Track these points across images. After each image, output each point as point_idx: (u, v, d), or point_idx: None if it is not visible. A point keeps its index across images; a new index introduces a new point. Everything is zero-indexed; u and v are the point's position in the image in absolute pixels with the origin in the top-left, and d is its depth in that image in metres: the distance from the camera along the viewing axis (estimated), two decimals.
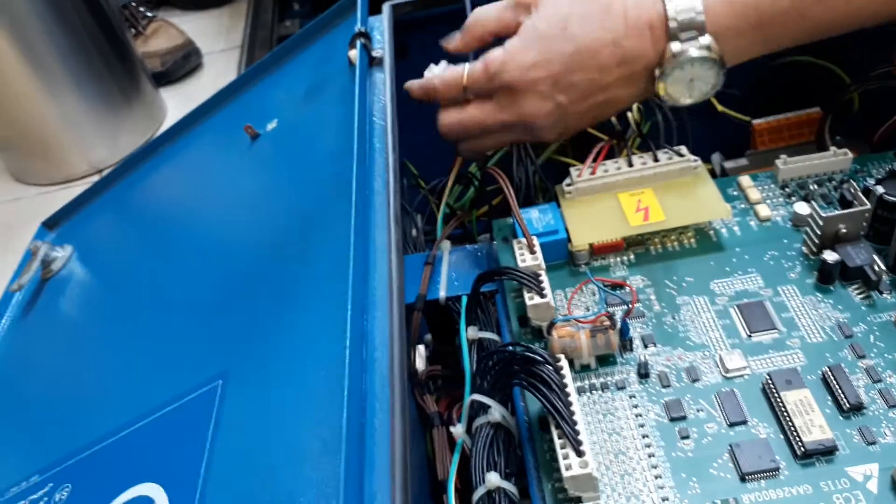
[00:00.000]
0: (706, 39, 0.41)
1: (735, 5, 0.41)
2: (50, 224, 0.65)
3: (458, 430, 0.39)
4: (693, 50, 0.41)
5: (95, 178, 0.88)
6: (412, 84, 0.47)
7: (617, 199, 0.45)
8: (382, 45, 0.53)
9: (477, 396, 0.39)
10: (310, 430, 0.31)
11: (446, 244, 0.50)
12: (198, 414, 0.35)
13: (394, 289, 0.35)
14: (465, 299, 0.45)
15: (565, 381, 0.35)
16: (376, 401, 0.31)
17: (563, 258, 0.45)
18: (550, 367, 0.36)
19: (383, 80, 0.50)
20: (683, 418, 0.36)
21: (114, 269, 0.53)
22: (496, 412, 0.38)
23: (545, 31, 0.42)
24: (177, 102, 0.99)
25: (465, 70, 0.45)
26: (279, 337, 0.36)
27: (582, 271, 0.44)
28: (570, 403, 0.34)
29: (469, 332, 0.43)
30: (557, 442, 0.33)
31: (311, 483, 0.29)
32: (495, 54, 0.43)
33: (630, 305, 0.39)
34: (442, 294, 0.47)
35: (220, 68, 1.04)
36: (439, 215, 0.50)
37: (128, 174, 0.64)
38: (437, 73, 0.47)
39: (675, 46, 0.41)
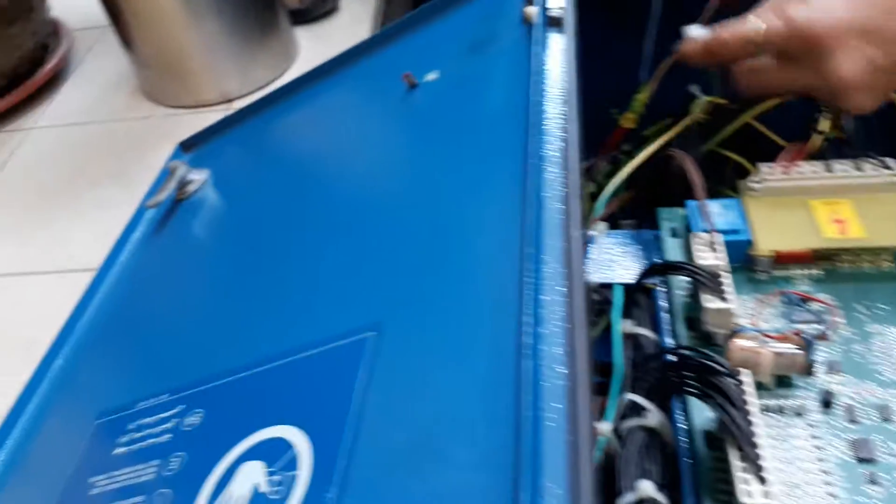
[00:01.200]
0: None
1: None
2: (186, 145, 0.64)
3: (604, 427, 0.36)
4: None
5: (224, 107, 0.88)
6: (693, 41, 0.43)
7: (809, 207, 0.41)
8: (561, 4, 0.49)
9: (634, 397, 0.36)
10: (474, 399, 0.28)
11: (602, 226, 0.46)
12: (345, 363, 0.33)
13: (574, 266, 0.31)
14: (618, 288, 0.42)
15: (748, 397, 0.32)
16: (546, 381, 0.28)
17: (739, 262, 0.40)
18: (733, 381, 0.32)
19: (562, 42, 0.46)
20: (872, 461, 0.32)
21: (250, 201, 0.52)
22: (653, 417, 0.35)
23: None
24: (310, 43, 0.98)
25: (761, 26, 0.40)
26: (439, 301, 0.34)
27: (761, 279, 0.40)
28: (754, 424, 0.31)
29: (625, 326, 0.40)
30: (737, 465, 0.30)
31: (474, 454, 0.26)
32: (797, 8, 0.39)
33: (827, 328, 0.35)
34: (593, 279, 0.44)
35: (355, 13, 1.02)
36: (605, 192, 0.46)
37: (267, 109, 0.63)
38: (702, 33, 0.43)
39: None
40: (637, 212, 0.53)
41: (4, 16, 0.88)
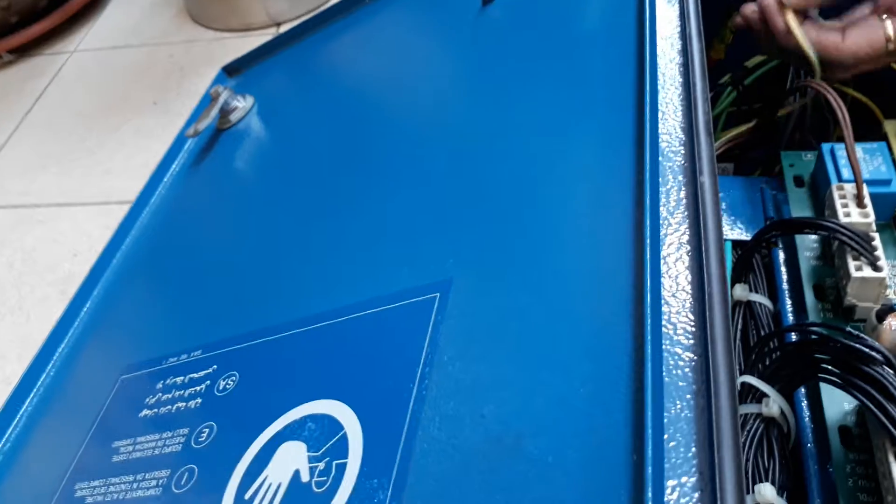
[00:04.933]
0: None
1: None
2: (231, 70, 0.58)
3: None
4: None
5: (273, 30, 0.82)
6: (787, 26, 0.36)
7: None
8: None
9: (751, 380, 0.30)
10: (574, 387, 0.22)
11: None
12: (409, 329, 0.27)
13: (709, 215, 0.25)
14: (730, 245, 0.35)
15: None
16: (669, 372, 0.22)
17: (885, 218, 0.33)
18: (892, 371, 0.25)
19: None
20: None
21: (300, 134, 0.46)
22: (775, 405, 0.29)
23: None
24: None
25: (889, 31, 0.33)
26: (521, 253, 0.28)
27: None
28: None
29: (736, 291, 0.34)
30: None
31: (573, 460, 0.21)
32: None
33: None
34: (719, 221, 0.37)
35: None
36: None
37: (319, 29, 0.56)
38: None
39: None
40: (739, 156, 0.46)
41: None
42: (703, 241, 0.24)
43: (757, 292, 0.34)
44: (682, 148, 0.27)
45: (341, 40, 0.53)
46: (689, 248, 0.24)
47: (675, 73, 0.29)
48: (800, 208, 0.35)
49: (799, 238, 0.34)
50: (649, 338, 0.22)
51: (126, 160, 0.68)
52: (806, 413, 0.30)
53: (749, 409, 0.29)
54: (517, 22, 0.40)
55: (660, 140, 0.27)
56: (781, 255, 0.34)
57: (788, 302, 0.33)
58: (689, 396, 0.21)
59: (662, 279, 0.23)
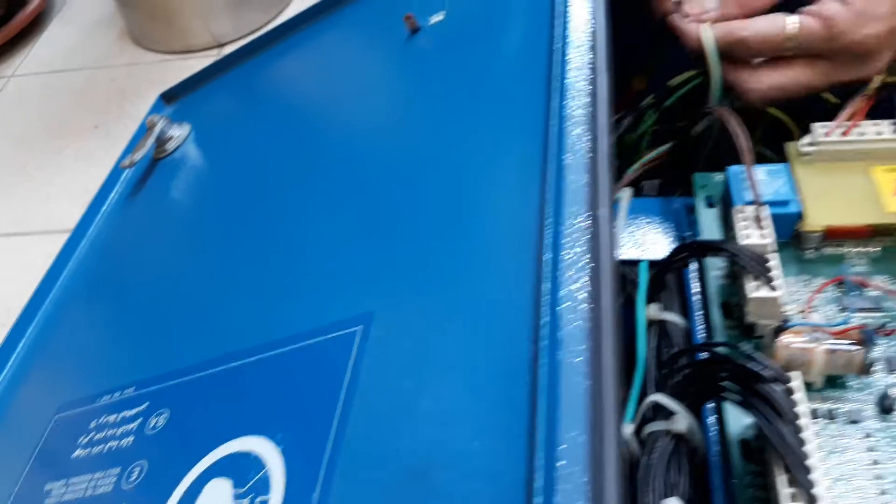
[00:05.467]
0: None
1: None
2: (168, 97, 0.59)
3: (625, 430, 0.32)
4: None
5: (216, 51, 0.82)
6: (698, 30, 0.37)
7: (870, 174, 0.35)
8: None
9: (660, 398, 0.31)
10: (481, 417, 0.24)
11: (626, 192, 0.41)
12: (330, 363, 0.28)
13: (602, 252, 0.26)
14: (645, 266, 0.37)
15: (800, 408, 0.27)
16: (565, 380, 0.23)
17: (785, 237, 0.35)
18: (782, 388, 0.27)
19: None
20: None
21: (234, 161, 0.47)
22: (683, 421, 0.31)
23: None
24: None
25: (790, 26, 0.35)
26: (441, 287, 0.29)
27: (809, 258, 0.35)
28: (805, 442, 0.26)
29: (650, 311, 0.35)
30: (784, 492, 0.25)
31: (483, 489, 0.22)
32: (836, 10, 0.34)
33: (889, 319, 0.30)
34: (615, 253, 0.39)
35: None
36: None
37: (258, 53, 0.57)
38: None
39: None
40: (664, 174, 0.48)
41: None
42: (597, 272, 0.25)
43: (671, 311, 0.35)
44: (586, 176, 0.29)
45: (276, 66, 0.53)
46: (586, 278, 0.25)
47: (581, 108, 0.31)
48: (710, 230, 0.36)
49: (708, 258, 0.36)
50: (546, 370, 0.23)
51: (69, 187, 0.68)
52: (714, 428, 0.32)
53: (659, 426, 0.31)
54: (440, 51, 0.41)
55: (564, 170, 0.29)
56: (695, 275, 0.36)
57: (700, 320, 0.35)
58: (581, 427, 0.22)
59: (560, 308, 0.25)
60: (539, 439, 0.21)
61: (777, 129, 0.45)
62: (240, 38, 0.83)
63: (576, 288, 0.25)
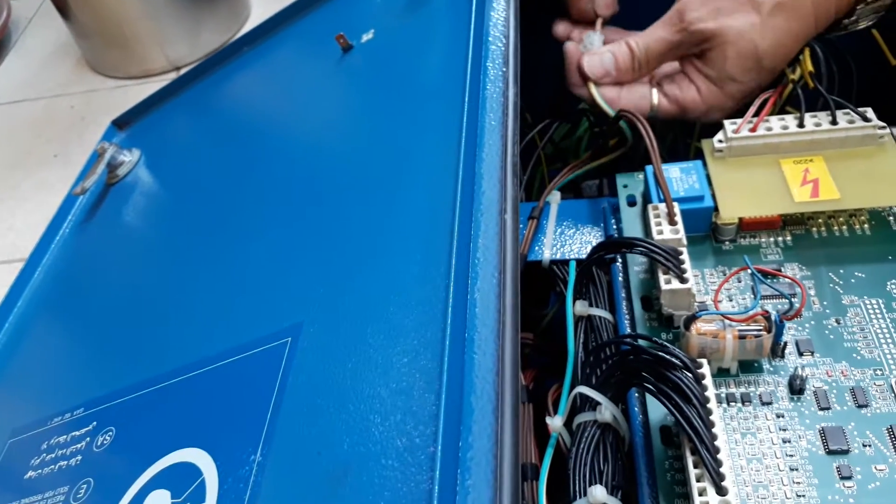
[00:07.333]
0: None
1: None
2: (120, 123, 0.60)
3: (555, 422, 0.33)
4: None
5: (173, 75, 0.83)
6: (587, 65, 0.43)
7: (779, 166, 0.37)
8: None
9: (585, 390, 0.33)
10: (399, 415, 0.25)
11: (556, 196, 0.42)
12: (258, 375, 0.29)
13: (507, 250, 0.28)
14: (574, 265, 0.39)
15: (707, 393, 0.28)
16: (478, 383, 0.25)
17: (703, 231, 0.37)
18: (690, 375, 0.29)
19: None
20: (845, 452, 0.29)
21: (182, 182, 0.48)
22: (607, 411, 0.32)
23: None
24: (261, 2, 0.92)
25: (653, 99, 0.43)
26: (364, 292, 0.30)
27: (726, 249, 0.36)
28: (712, 424, 0.28)
29: (577, 308, 0.37)
30: (692, 471, 0.27)
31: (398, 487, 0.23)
32: (692, 99, 0.42)
33: (796, 306, 0.32)
34: (546, 255, 0.40)
35: None
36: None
37: (205, 76, 0.58)
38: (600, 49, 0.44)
39: None
40: (600, 174, 0.49)
41: None
42: (502, 274, 0.27)
43: (597, 307, 0.37)
44: (496, 185, 0.30)
45: (221, 89, 0.55)
46: (494, 281, 0.27)
47: (494, 120, 0.32)
48: (631, 227, 0.38)
49: (630, 255, 0.37)
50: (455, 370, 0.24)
51: (27, 216, 0.69)
52: (639, 416, 0.33)
53: (586, 416, 0.32)
54: (370, 68, 0.43)
55: (479, 173, 0.30)
56: (620, 271, 0.38)
57: (625, 314, 0.36)
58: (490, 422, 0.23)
59: (476, 310, 0.26)
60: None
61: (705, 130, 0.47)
62: (196, 61, 0.84)
63: (485, 289, 0.27)
